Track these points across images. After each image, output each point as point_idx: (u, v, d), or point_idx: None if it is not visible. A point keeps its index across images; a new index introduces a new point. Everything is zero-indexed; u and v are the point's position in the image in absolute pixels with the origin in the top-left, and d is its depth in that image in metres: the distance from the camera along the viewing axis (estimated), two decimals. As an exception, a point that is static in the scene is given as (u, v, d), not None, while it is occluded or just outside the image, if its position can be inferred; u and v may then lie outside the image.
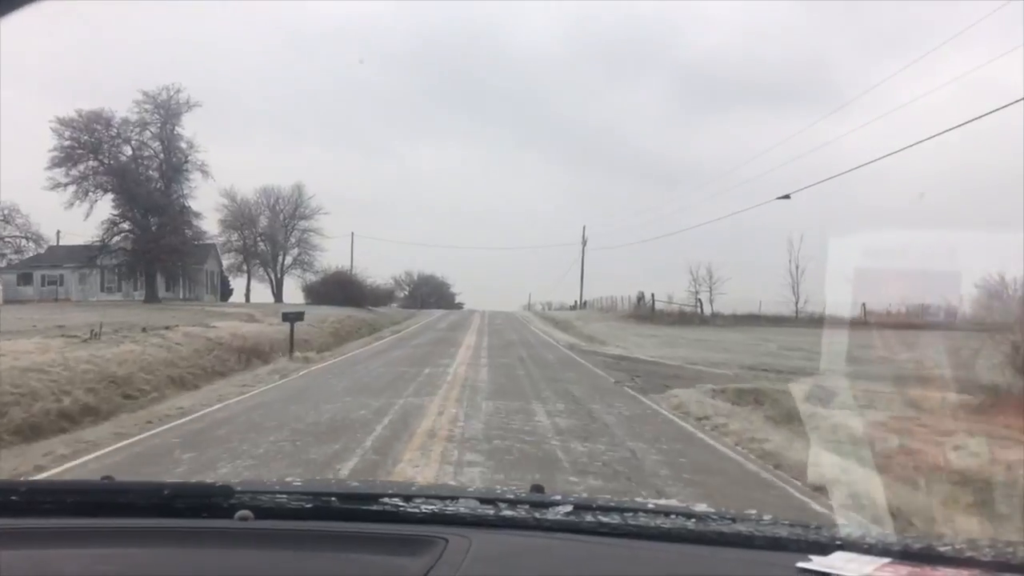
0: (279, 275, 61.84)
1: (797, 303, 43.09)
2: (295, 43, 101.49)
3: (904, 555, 1.36)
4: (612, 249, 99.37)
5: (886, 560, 1.34)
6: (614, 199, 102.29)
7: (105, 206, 43.81)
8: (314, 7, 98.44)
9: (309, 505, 1.60)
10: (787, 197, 24.75)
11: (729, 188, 77.06)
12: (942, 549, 1.38)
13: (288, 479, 2.15)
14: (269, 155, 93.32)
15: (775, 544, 1.46)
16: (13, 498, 1.59)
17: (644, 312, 42.51)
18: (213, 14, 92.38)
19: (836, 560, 1.34)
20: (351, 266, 62.75)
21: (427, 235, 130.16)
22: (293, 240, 62.59)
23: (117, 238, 44.01)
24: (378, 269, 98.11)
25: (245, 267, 60.24)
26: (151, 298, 44.14)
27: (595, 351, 24.63)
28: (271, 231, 60.63)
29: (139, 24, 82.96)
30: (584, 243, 72.17)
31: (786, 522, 1.59)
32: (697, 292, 45.50)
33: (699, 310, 43.04)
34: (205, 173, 45.31)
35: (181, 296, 54.76)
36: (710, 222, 54.83)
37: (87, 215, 43.17)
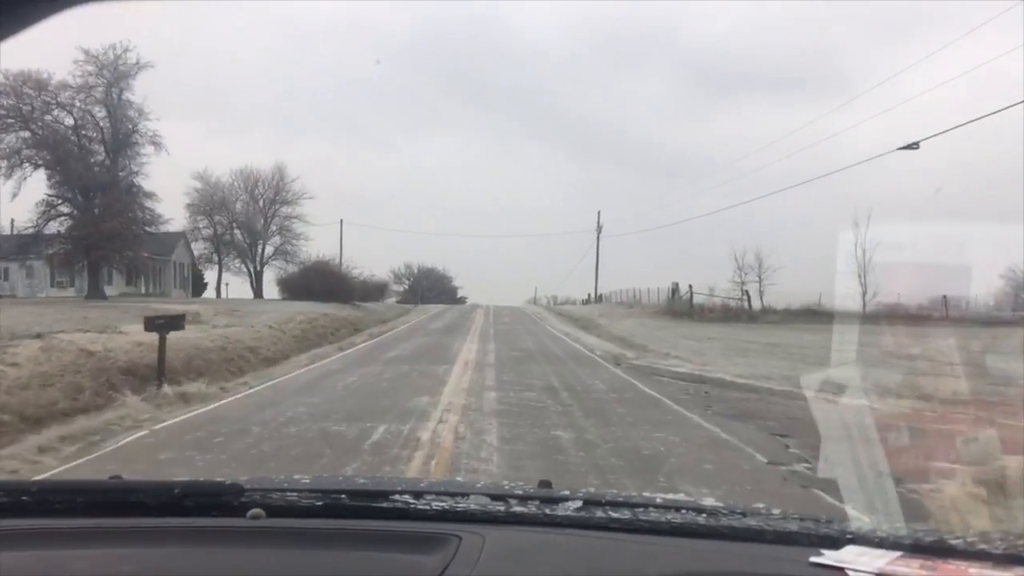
0: (259, 267, 54.90)
1: (865, 295, 35.83)
2: (297, 36, 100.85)
3: (915, 548, 1.36)
4: (627, 237, 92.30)
5: (898, 553, 1.32)
6: (623, 190, 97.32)
7: (40, 185, 36.98)
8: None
9: (320, 503, 1.58)
10: (914, 146, 17.72)
11: (759, 168, 69.95)
12: (953, 542, 1.38)
13: (296, 476, 1.80)
14: (270, 149, 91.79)
15: (786, 538, 1.44)
16: (24, 498, 1.58)
17: (681, 307, 35.49)
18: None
19: (848, 554, 1.32)
20: (340, 257, 56.00)
21: (429, 229, 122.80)
22: (274, 228, 55.62)
23: (54, 223, 37.15)
24: (377, 262, 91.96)
25: (216, 257, 53.11)
26: (94, 294, 37.12)
27: (652, 367, 17.31)
28: (248, 217, 53.49)
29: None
30: (599, 230, 65.10)
31: (797, 516, 1.58)
32: (743, 282, 38.39)
33: (746, 303, 35.95)
34: (157, 145, 38.19)
35: (145, 291, 47.89)
36: (755, 199, 47.48)
37: (14, 195, 36.20)
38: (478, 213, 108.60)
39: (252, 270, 54.68)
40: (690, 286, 35.52)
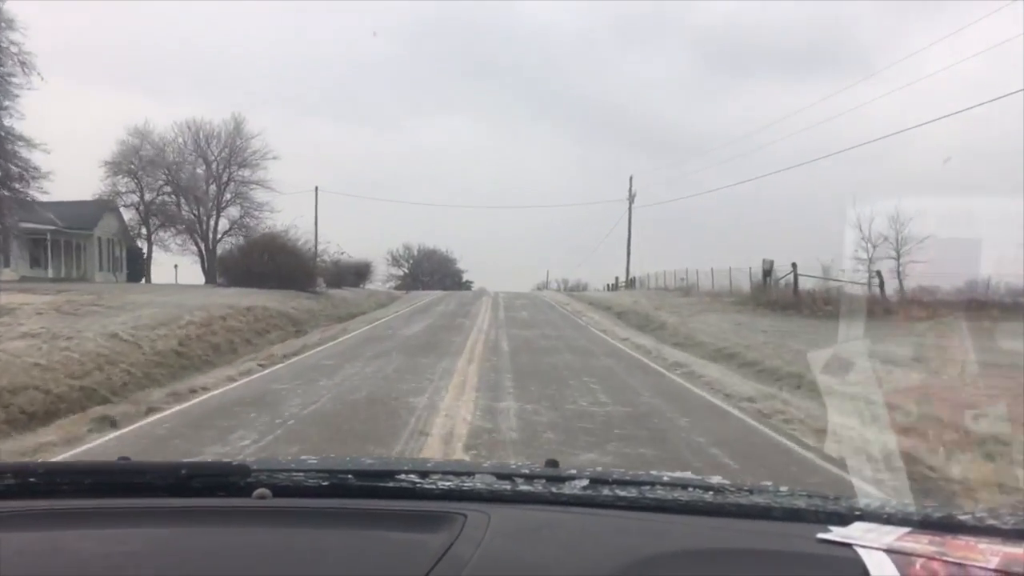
0: (211, 245, 43.72)
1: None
2: (300, 12, 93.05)
3: (924, 524, 1.35)
4: (655, 216, 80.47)
5: (906, 530, 1.32)
6: (639, 171, 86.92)
7: None
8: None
9: (326, 483, 1.57)
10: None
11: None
12: (962, 518, 1.37)
13: (303, 457, 1.78)
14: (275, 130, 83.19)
15: (794, 515, 1.44)
16: (31, 480, 1.57)
17: (779, 296, 24.20)
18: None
19: (856, 530, 1.31)
20: (316, 234, 44.85)
21: (434, 211, 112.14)
22: (229, 196, 44.47)
23: None
24: (373, 244, 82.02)
25: (145, 231, 41.65)
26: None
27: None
28: (190, 179, 42.07)
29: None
30: (631, 198, 53.43)
31: (804, 493, 1.56)
32: (871, 259, 26.75)
33: (878, 290, 24.48)
34: (27, 68, 26.79)
35: (56, 274, 36.93)
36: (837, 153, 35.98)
37: None
38: (483, 195, 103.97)
39: (202, 248, 43.60)
40: (794, 265, 24.25)
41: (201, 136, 43.81)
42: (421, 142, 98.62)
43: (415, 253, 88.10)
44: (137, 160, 39.35)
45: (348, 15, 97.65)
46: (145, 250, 43.76)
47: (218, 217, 44.29)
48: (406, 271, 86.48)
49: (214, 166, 44.32)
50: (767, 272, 25.05)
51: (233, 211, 44.92)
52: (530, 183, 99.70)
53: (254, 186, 44.34)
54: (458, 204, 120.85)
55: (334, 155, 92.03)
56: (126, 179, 39.24)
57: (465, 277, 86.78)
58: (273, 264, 29.58)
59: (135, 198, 40.12)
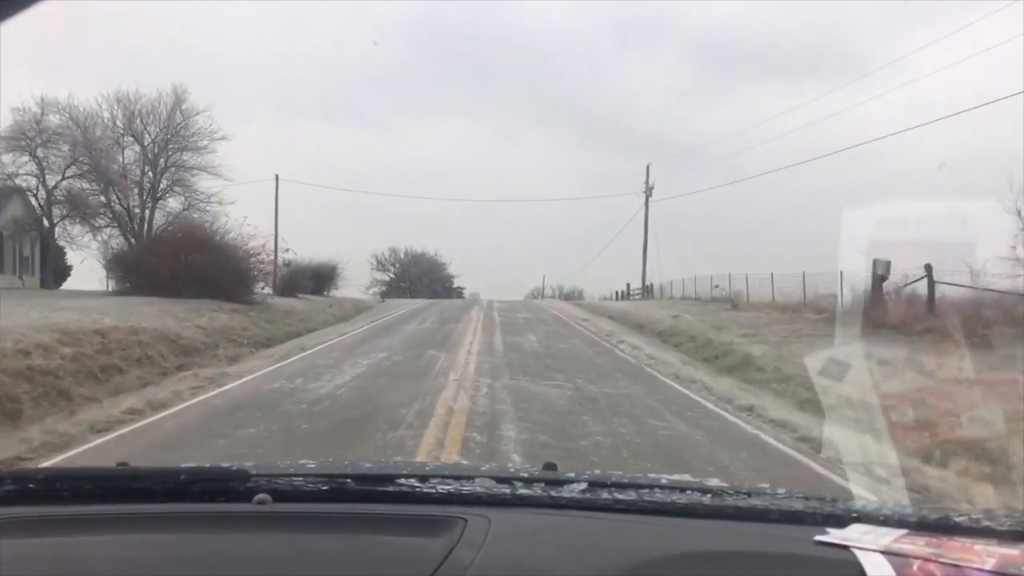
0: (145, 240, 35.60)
1: None
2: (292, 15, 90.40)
3: (921, 526, 1.35)
4: (680, 204, 72.75)
5: (903, 532, 1.31)
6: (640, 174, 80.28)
7: None
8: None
9: (325, 487, 1.56)
10: None
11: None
12: (959, 520, 1.37)
13: (302, 461, 1.83)
14: (266, 133, 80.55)
15: (792, 517, 1.43)
16: (31, 486, 1.56)
17: (905, 312, 16.40)
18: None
19: (853, 532, 1.31)
20: (276, 230, 37.15)
21: (423, 215, 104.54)
22: (166, 182, 36.46)
23: None
24: (361, 247, 75.93)
25: (52, 222, 33.33)
26: None
27: None
28: (109, 163, 33.91)
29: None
30: (648, 191, 45.46)
31: (802, 496, 1.56)
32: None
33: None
34: None
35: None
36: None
37: None
38: (477, 198, 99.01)
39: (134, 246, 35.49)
40: (928, 267, 16.43)
41: (136, 112, 35.88)
42: (413, 143, 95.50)
43: (402, 257, 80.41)
44: (37, 133, 31.14)
45: (340, 16, 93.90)
46: (64, 249, 35.72)
47: (153, 209, 36.27)
48: (392, 276, 78.83)
49: (149, 147, 36.35)
50: (882, 277, 17.23)
51: (175, 203, 36.95)
52: (527, 186, 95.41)
53: (197, 172, 36.31)
54: (442, 197, 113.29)
55: (322, 155, 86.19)
56: (25, 158, 31.02)
57: (456, 283, 79.14)
58: (189, 265, 21.68)
59: (35, 182, 31.86)
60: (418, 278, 77.66)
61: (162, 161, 36.57)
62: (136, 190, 35.68)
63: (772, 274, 26.96)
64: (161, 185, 36.44)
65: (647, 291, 45.25)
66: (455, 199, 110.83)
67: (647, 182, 45.51)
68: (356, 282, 48.78)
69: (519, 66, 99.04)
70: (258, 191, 47.10)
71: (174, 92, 36.07)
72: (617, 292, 55.01)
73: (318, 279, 34.44)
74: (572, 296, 66.06)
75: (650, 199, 45.13)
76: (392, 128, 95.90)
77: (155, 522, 1.44)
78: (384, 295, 56.94)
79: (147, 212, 36.24)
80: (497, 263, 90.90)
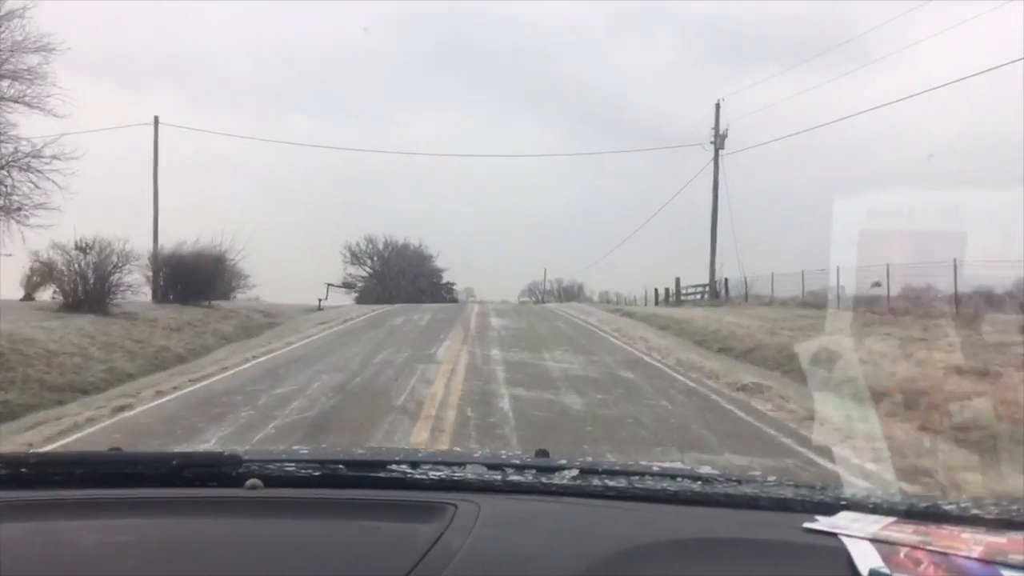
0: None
1: None
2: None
3: (909, 514, 1.35)
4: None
5: (891, 519, 1.32)
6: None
7: None
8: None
9: (317, 473, 1.56)
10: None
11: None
12: (947, 508, 1.38)
13: (295, 447, 1.90)
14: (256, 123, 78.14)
15: (781, 505, 1.44)
16: (23, 470, 1.55)
17: None
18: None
19: (841, 520, 1.32)
20: (155, 203, 23.08)
21: (406, 205, 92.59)
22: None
23: None
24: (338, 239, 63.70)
25: None
26: None
27: None
28: None
29: None
30: (717, 138, 30.95)
31: (791, 483, 1.58)
32: None
33: None
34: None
35: None
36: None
37: None
38: (472, 190, 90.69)
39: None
40: None
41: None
42: (405, 133, 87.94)
43: (380, 248, 65.48)
44: None
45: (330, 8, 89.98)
46: None
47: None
48: (369, 271, 63.88)
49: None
50: None
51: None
52: (526, 187, 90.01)
53: (13, 106, 22.16)
54: (406, 152, 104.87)
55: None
56: None
57: (445, 278, 64.41)
58: None
59: None
60: (400, 273, 62.94)
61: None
62: None
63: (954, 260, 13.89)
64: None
65: (713, 291, 31.42)
66: (417, 152, 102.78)
67: (716, 125, 31.55)
68: (321, 278, 35.73)
69: (516, 52, 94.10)
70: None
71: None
72: (656, 292, 41.25)
73: (198, 276, 20.52)
74: (573, 294, 55.43)
75: (721, 151, 31.10)
76: (383, 117, 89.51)
77: (147, 507, 1.44)
78: (359, 298, 44.75)
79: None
80: (492, 256, 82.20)
